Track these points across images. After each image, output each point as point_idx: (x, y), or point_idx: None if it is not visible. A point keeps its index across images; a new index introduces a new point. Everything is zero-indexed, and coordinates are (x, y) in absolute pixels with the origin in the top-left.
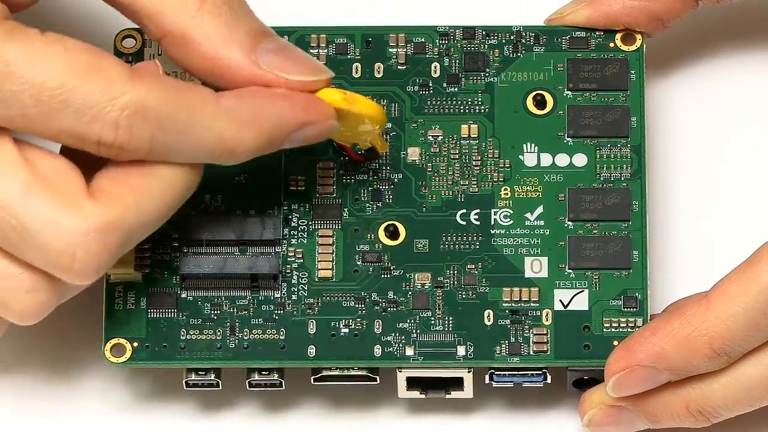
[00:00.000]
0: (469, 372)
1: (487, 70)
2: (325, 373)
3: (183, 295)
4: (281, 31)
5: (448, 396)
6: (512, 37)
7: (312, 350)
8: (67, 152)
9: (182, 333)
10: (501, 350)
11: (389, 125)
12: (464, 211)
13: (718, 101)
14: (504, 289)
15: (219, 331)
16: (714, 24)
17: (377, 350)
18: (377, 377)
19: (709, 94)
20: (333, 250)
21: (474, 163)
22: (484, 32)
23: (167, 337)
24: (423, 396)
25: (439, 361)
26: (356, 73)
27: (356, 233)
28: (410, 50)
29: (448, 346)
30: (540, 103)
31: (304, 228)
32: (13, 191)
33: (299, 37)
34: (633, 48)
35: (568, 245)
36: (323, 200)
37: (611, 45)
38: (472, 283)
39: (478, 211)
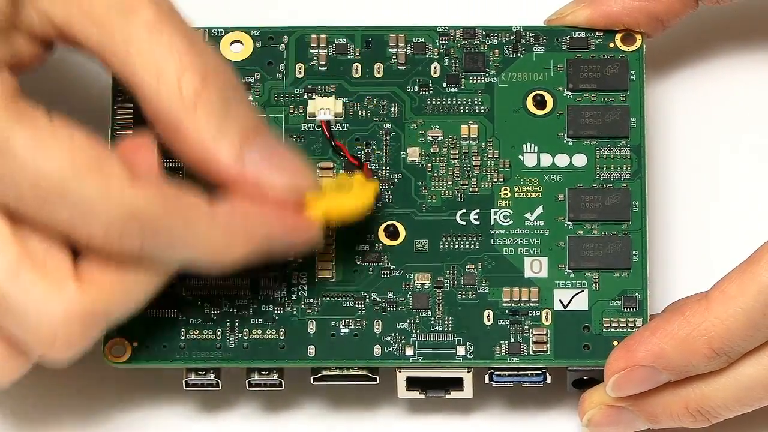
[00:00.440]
0: (468, 372)
1: (487, 70)
2: (324, 373)
3: (183, 295)
4: (281, 31)
5: (447, 396)
6: (512, 38)
7: (312, 350)
8: None
9: (182, 333)
10: (501, 350)
11: (389, 125)
12: (464, 211)
13: (718, 101)
14: (504, 289)
15: (219, 331)
16: (714, 24)
17: (377, 350)
18: (377, 377)
19: (709, 94)
20: (333, 251)
21: (474, 163)
22: (484, 32)
23: (167, 337)
24: (423, 396)
25: (439, 361)
26: (356, 73)
27: (356, 233)
28: (410, 50)
29: (448, 346)
30: (540, 103)
31: None
32: (0, 267)
33: (299, 37)
34: (633, 48)
35: (568, 245)
36: None
37: (611, 45)
38: (472, 283)
39: (477, 211)
